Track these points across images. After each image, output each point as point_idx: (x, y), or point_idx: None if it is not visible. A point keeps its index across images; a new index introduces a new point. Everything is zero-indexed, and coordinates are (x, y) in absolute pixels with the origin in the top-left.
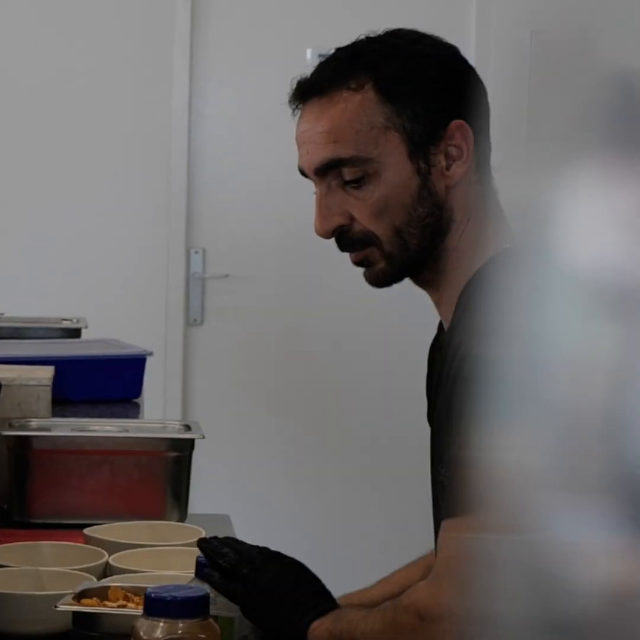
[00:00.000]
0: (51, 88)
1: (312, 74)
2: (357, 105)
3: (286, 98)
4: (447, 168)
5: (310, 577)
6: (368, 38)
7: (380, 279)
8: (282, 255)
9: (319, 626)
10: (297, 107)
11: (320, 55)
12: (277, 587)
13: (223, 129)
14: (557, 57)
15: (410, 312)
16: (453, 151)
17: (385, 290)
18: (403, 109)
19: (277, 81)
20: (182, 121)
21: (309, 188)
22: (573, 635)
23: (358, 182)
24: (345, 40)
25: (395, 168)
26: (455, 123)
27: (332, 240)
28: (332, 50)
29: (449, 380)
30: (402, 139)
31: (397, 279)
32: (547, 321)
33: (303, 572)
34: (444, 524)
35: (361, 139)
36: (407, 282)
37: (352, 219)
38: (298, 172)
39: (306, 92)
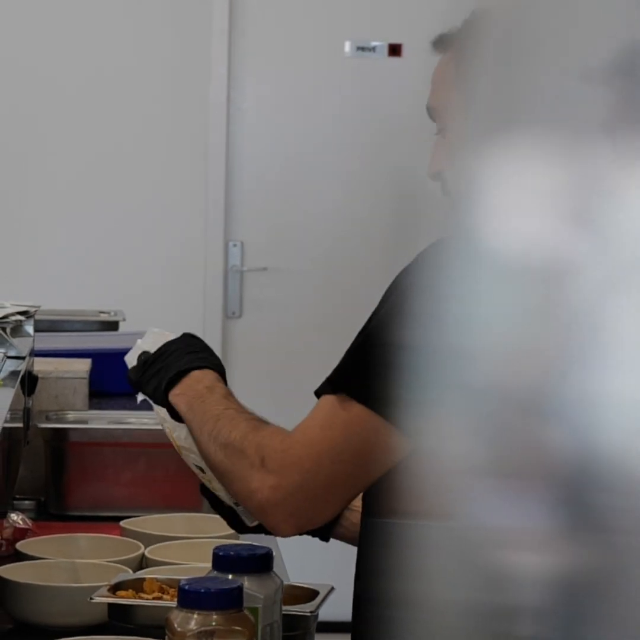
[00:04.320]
0: (90, 83)
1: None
2: (445, 63)
3: (324, 91)
4: None
5: (198, 342)
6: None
7: None
8: (319, 248)
9: (184, 386)
10: None
11: (358, 48)
12: (165, 352)
13: (261, 123)
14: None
15: None
16: None
17: None
18: (463, 82)
19: (316, 75)
20: (220, 116)
21: (347, 181)
22: (507, 621)
23: (441, 134)
24: (384, 33)
25: (454, 133)
26: None
27: (368, 233)
28: (372, 44)
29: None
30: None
31: None
32: (475, 306)
33: (192, 338)
34: (329, 397)
35: (439, 93)
36: None
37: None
38: (336, 166)
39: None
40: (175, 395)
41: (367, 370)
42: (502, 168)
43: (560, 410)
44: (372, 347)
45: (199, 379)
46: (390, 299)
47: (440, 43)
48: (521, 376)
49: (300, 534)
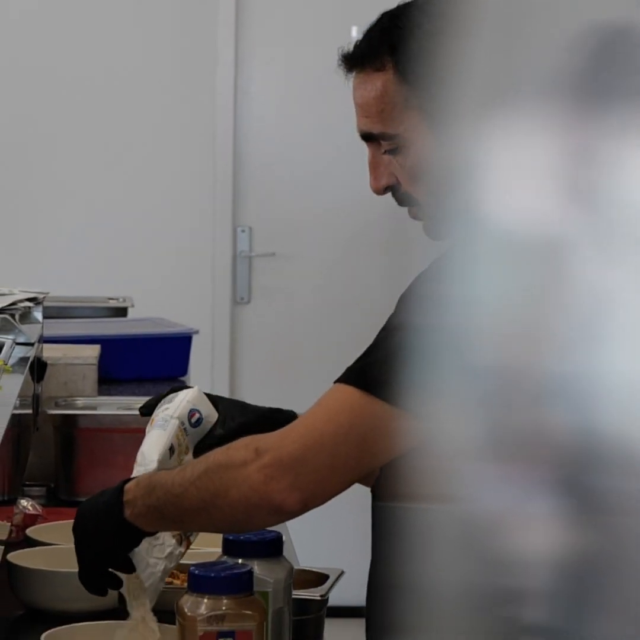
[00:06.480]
0: (98, 69)
1: (352, 49)
2: (380, 85)
3: (331, 76)
4: None
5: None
6: (392, 13)
7: (428, 233)
8: (328, 233)
9: (132, 485)
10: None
11: None
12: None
13: (268, 107)
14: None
15: None
16: None
17: None
18: (419, 89)
19: (323, 59)
20: (227, 100)
21: (354, 166)
22: (505, 602)
23: (394, 152)
24: None
25: (420, 142)
26: None
27: (376, 218)
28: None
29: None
30: (422, 117)
31: (445, 235)
32: (472, 288)
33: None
34: (337, 385)
35: (386, 116)
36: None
37: (398, 180)
38: (343, 151)
39: (346, 66)
40: (130, 508)
41: (387, 369)
42: (501, 149)
43: (565, 394)
44: (392, 345)
45: (134, 485)
46: (408, 301)
47: (359, 61)
48: (528, 360)
49: (308, 510)
